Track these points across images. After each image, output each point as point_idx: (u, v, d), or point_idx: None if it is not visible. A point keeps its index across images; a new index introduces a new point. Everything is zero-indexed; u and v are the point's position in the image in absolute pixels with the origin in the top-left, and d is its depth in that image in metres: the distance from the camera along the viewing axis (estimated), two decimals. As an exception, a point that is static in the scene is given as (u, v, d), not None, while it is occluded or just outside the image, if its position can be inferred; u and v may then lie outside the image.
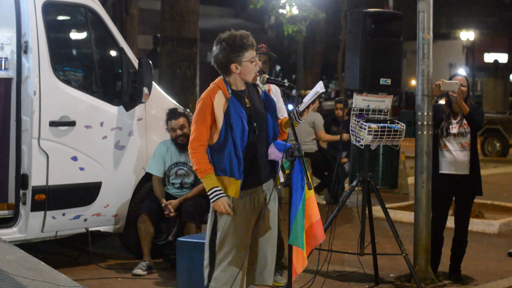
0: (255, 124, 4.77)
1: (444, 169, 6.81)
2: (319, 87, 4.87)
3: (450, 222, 7.05)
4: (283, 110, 6.68)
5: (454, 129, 6.79)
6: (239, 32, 4.77)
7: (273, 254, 4.92)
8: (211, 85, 4.81)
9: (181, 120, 7.14)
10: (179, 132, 7.12)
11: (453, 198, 6.96)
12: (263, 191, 4.87)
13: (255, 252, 4.86)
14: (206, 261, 4.84)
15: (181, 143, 7.11)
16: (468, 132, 6.79)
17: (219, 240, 4.77)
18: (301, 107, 4.86)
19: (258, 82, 5.08)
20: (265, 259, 4.89)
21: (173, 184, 7.25)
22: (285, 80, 5.42)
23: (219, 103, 4.72)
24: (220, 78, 4.83)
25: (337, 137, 10.58)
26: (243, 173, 4.73)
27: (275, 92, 6.52)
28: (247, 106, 4.79)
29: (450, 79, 6.88)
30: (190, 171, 7.16)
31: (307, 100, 4.86)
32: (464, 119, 6.76)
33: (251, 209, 4.83)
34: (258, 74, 4.88)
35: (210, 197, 4.73)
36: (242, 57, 4.73)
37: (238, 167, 4.71)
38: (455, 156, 6.79)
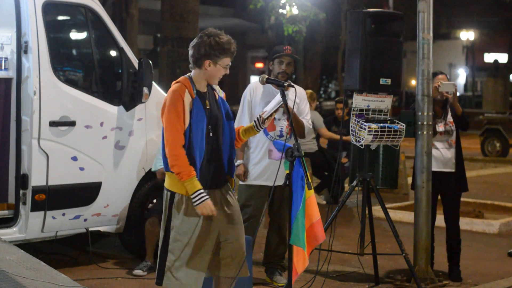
0: (210, 126, 4.76)
1: (432, 167, 6.84)
2: (278, 99, 4.90)
3: (443, 222, 7.07)
4: (305, 112, 6.65)
5: (440, 127, 6.86)
6: (228, 37, 4.80)
7: (243, 248, 4.88)
8: (176, 84, 4.76)
9: None
10: None
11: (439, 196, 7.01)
12: (221, 193, 4.84)
13: (229, 248, 4.82)
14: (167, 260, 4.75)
15: None
16: (454, 130, 6.90)
17: (178, 240, 4.70)
18: (265, 115, 4.90)
19: (258, 81, 5.08)
20: (240, 253, 4.86)
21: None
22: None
23: (187, 102, 4.70)
24: (185, 77, 4.82)
25: (338, 137, 10.57)
26: (201, 174, 4.69)
27: (299, 95, 6.46)
28: (207, 107, 4.79)
29: (433, 77, 6.85)
30: None
31: (269, 109, 4.91)
32: (448, 118, 6.87)
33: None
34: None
35: (195, 199, 4.62)
36: (220, 59, 4.76)
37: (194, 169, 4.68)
38: (442, 153, 6.86)
